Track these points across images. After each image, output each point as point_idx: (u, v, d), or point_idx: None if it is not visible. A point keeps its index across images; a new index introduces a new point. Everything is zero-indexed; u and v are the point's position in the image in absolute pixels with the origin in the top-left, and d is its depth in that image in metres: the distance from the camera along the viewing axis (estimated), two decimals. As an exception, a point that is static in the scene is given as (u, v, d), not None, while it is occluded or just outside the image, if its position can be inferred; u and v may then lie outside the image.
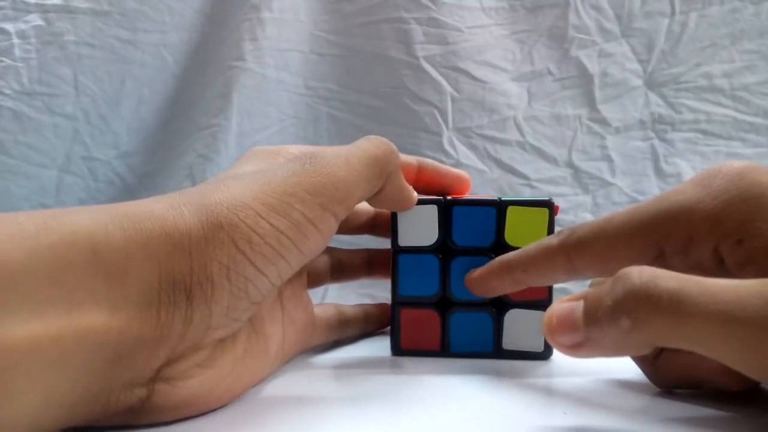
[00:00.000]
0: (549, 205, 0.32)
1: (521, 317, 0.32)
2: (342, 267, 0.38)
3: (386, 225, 0.34)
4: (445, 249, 0.32)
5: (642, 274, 0.21)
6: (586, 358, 0.23)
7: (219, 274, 0.23)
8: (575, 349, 0.23)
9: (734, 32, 0.60)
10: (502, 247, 0.32)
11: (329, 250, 0.37)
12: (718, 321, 0.20)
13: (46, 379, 0.19)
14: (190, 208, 0.23)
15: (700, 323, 0.20)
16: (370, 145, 0.29)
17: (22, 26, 0.59)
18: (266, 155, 0.30)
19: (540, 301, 0.32)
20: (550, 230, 0.31)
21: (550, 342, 0.24)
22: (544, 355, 0.32)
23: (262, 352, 0.27)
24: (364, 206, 0.35)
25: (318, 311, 0.35)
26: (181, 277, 0.22)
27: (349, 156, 0.28)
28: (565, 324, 0.23)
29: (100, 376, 0.21)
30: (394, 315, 0.33)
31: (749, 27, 0.59)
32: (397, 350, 0.33)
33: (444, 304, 0.32)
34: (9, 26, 0.58)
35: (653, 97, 0.60)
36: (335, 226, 0.27)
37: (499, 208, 0.32)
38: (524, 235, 0.31)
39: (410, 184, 0.33)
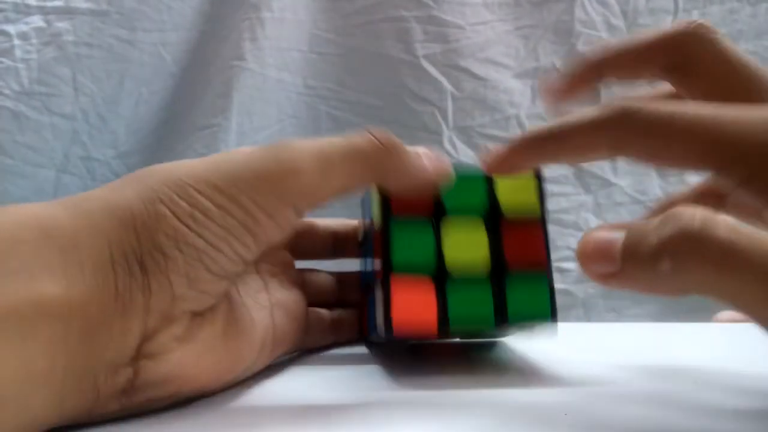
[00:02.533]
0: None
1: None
2: (344, 288, 0.37)
3: (350, 246, 0.35)
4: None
5: (695, 217, 0.21)
6: (615, 289, 0.23)
7: (168, 246, 0.23)
8: (605, 278, 0.23)
9: (732, 32, 0.61)
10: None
11: (336, 274, 0.37)
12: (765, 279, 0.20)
13: (18, 352, 0.20)
14: (132, 186, 0.24)
15: (746, 279, 0.20)
16: (358, 138, 0.28)
17: (23, 28, 0.60)
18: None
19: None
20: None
21: (582, 267, 0.23)
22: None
23: (245, 333, 0.27)
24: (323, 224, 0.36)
25: (314, 312, 0.35)
26: (131, 249, 0.23)
27: (325, 148, 0.27)
28: (602, 252, 0.23)
29: (77, 352, 0.22)
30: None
31: (747, 27, 0.61)
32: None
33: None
34: (10, 28, 0.60)
35: (655, 95, 0.61)
36: (295, 218, 0.26)
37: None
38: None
39: None
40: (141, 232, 0.23)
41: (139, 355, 0.23)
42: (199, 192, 0.24)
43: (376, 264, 0.31)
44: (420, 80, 0.61)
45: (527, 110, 0.62)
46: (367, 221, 0.33)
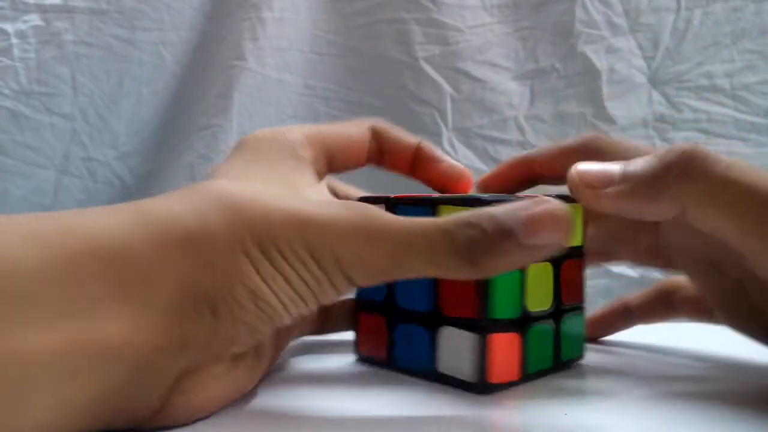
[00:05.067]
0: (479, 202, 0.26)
1: (455, 337, 0.28)
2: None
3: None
4: None
5: (699, 146, 0.25)
6: (607, 207, 0.27)
7: (245, 298, 0.23)
8: (602, 191, 0.27)
9: (736, 31, 0.61)
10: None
11: None
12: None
13: (63, 393, 0.20)
14: (218, 214, 0.23)
15: (738, 195, 0.24)
16: (442, 239, 0.24)
17: (21, 26, 0.61)
18: (272, 151, 0.30)
19: (474, 320, 0.27)
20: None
21: (576, 184, 0.27)
22: (477, 387, 0.27)
23: (263, 362, 0.28)
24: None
25: None
26: (204, 291, 0.22)
27: (408, 240, 0.24)
28: (599, 173, 0.27)
29: (119, 388, 0.21)
30: (355, 318, 0.32)
31: (750, 26, 0.61)
32: (358, 355, 0.32)
33: (390, 312, 0.30)
34: (8, 26, 0.60)
35: (656, 95, 0.62)
36: (351, 289, 0.26)
37: (434, 208, 0.28)
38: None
39: (405, 170, 0.34)
40: (219, 275, 0.22)
41: (174, 390, 0.23)
42: (284, 257, 0.23)
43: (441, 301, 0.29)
44: (419, 82, 0.62)
45: (525, 111, 0.62)
46: None
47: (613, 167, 0.27)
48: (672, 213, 0.26)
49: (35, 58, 0.61)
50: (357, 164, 0.34)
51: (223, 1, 0.64)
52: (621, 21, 0.64)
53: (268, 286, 0.23)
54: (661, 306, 0.36)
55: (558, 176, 0.32)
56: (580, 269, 0.30)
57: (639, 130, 0.62)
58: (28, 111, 0.61)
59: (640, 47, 0.63)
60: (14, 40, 0.61)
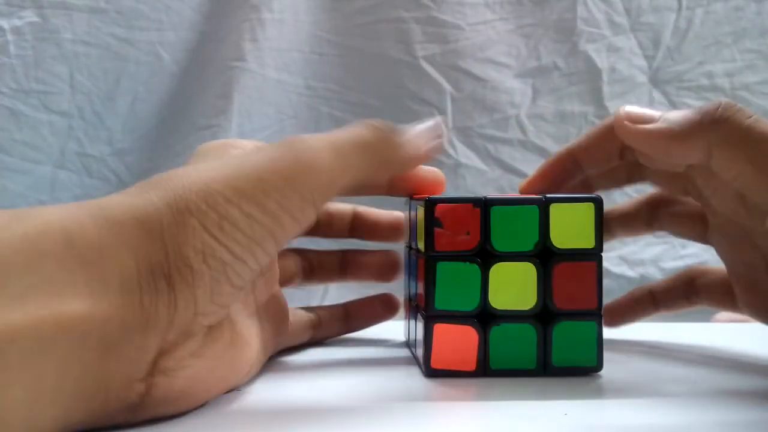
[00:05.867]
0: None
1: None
2: (313, 268, 0.38)
3: (368, 227, 0.37)
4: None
5: (734, 102, 0.28)
6: (641, 141, 0.30)
7: (196, 260, 0.23)
8: (640, 126, 0.29)
9: (737, 30, 0.62)
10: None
11: (300, 250, 0.38)
12: None
13: (31, 371, 0.20)
14: (157, 193, 0.24)
15: (760, 143, 0.27)
16: (363, 129, 0.28)
17: (17, 22, 0.61)
18: (220, 148, 0.31)
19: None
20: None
21: (619, 118, 0.30)
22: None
23: (246, 342, 0.28)
24: (341, 207, 0.37)
25: (294, 312, 0.35)
26: (159, 264, 0.23)
27: (335, 141, 0.27)
28: (642, 112, 0.30)
29: (93, 368, 0.22)
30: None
31: (751, 26, 0.62)
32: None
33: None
34: (3, 22, 0.61)
35: (657, 94, 0.62)
36: (314, 215, 0.27)
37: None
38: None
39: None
40: (169, 245, 0.23)
41: (154, 370, 0.23)
42: (227, 199, 0.24)
43: (420, 291, 0.31)
44: (419, 81, 0.62)
45: (527, 110, 0.63)
46: (413, 240, 0.33)
47: (656, 111, 0.30)
48: (698, 156, 0.28)
49: (33, 56, 0.61)
50: None
51: (222, 2, 0.64)
52: (622, 20, 0.64)
53: (216, 239, 0.24)
54: (685, 291, 0.37)
55: (602, 160, 0.34)
56: (585, 274, 0.31)
57: (639, 130, 0.62)
58: (26, 109, 0.61)
59: (641, 46, 0.64)
60: (10, 37, 0.61)
